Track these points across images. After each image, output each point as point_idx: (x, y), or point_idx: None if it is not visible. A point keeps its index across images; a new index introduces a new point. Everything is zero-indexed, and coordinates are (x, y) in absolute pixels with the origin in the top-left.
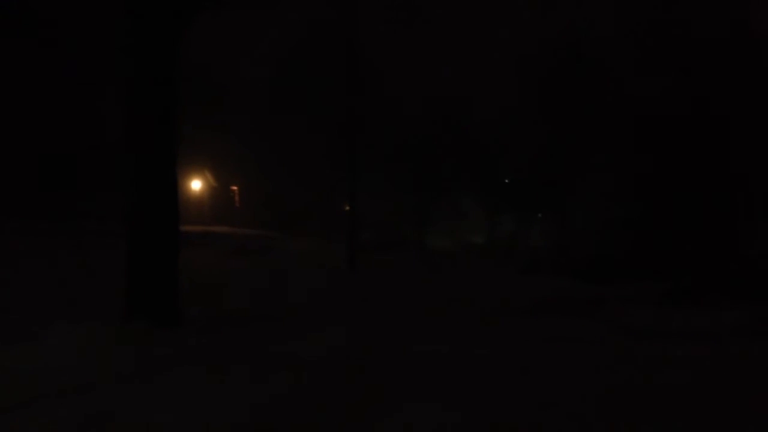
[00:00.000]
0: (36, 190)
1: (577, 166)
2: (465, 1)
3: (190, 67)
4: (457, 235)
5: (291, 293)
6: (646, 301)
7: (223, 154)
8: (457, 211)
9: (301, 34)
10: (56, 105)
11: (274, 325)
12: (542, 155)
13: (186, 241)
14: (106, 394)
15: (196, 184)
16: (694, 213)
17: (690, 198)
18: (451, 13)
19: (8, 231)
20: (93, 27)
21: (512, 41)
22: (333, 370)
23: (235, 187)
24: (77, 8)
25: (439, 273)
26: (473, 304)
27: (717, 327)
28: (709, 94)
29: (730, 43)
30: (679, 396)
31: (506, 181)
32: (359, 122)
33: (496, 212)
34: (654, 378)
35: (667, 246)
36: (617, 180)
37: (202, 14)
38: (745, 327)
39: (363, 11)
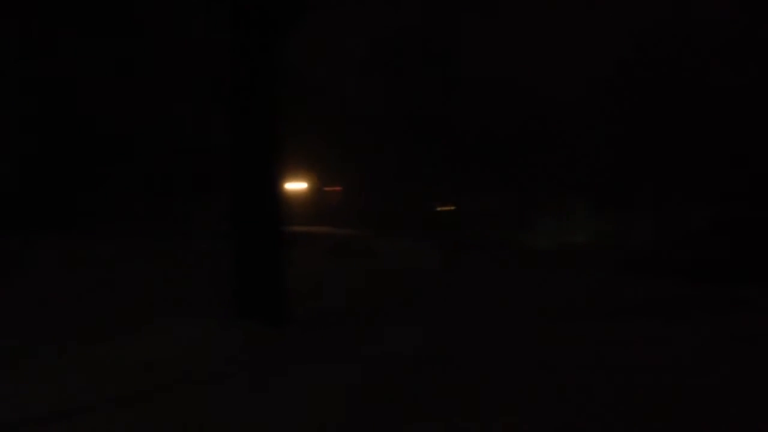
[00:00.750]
0: (131, 193)
1: (672, 162)
2: None
3: (291, 69)
4: (555, 234)
5: (389, 292)
6: None
7: (322, 155)
8: (554, 210)
9: (390, 37)
10: (154, 110)
11: (372, 323)
12: (638, 152)
13: (289, 241)
14: (218, 388)
15: (297, 185)
16: None
17: None
18: (534, 6)
19: (107, 233)
20: (191, 28)
21: (599, 36)
22: (428, 367)
23: (333, 188)
24: (181, 13)
25: (535, 273)
26: (566, 306)
27: None
28: None
29: None
30: None
31: (604, 178)
32: (450, 123)
33: (595, 211)
34: None
35: None
36: (711, 177)
37: (306, 17)
38: None
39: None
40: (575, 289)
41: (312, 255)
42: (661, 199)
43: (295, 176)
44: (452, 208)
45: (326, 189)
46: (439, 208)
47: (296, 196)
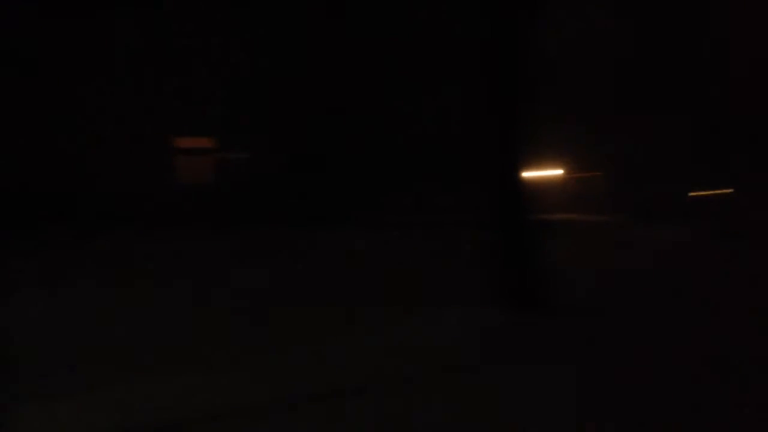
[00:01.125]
0: (381, 184)
1: None
2: None
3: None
4: None
5: (646, 283)
6: None
7: (575, 142)
8: None
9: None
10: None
11: (636, 317)
12: None
13: (545, 229)
14: (491, 373)
15: (551, 172)
16: None
17: None
18: None
19: (358, 225)
20: (437, 20)
21: None
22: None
23: (588, 173)
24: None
25: None
26: None
27: None
28: None
29: None
30: None
31: None
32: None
33: None
34: None
35: None
36: None
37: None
38: None
39: None
40: None
41: (571, 243)
42: None
43: (550, 163)
44: (726, 191)
45: (580, 174)
46: (704, 192)
47: (551, 183)
